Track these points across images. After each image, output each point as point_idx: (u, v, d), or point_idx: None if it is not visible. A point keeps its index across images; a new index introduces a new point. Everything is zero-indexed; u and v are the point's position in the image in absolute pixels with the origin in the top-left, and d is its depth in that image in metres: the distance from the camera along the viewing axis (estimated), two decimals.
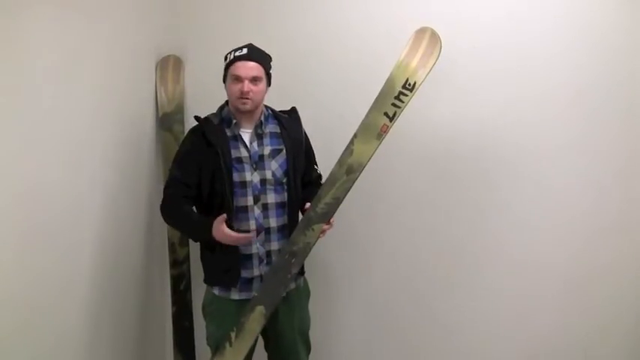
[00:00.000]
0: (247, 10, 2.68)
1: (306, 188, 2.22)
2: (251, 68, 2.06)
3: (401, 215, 2.69)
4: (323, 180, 2.20)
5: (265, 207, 2.12)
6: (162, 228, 2.58)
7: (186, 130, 2.48)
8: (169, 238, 2.63)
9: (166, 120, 2.65)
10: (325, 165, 2.19)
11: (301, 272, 2.24)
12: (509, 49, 2.52)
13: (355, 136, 2.08)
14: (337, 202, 2.05)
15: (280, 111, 2.20)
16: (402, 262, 2.71)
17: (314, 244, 2.05)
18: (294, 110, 2.24)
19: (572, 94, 2.51)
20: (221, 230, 2.00)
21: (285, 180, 2.14)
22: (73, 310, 2.04)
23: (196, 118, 2.15)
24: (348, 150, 2.07)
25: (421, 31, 2.15)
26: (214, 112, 2.18)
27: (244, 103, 2.08)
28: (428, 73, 2.08)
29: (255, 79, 2.07)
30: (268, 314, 2.04)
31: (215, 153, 2.06)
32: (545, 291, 2.63)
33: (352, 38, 2.61)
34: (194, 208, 2.17)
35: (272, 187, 2.13)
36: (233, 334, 2.07)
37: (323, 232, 2.07)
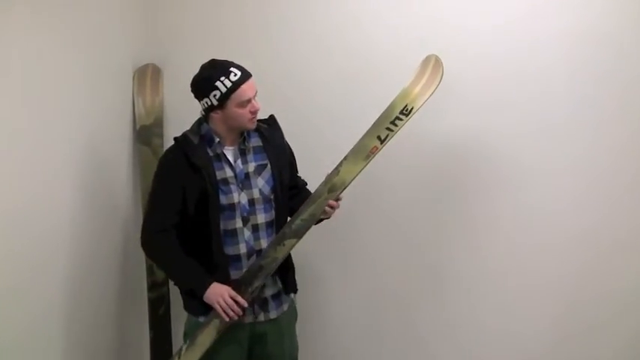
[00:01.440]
0: (230, 16, 2.63)
1: (295, 197, 2.20)
2: (253, 85, 2.04)
3: (398, 230, 2.69)
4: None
5: (255, 228, 2.08)
6: (139, 248, 2.43)
7: (166, 145, 2.54)
8: (146, 259, 2.57)
9: (144, 133, 2.59)
10: (320, 173, 2.17)
11: (294, 290, 2.21)
12: (508, 57, 2.49)
13: (345, 158, 2.10)
14: (312, 218, 2.06)
15: (258, 120, 2.13)
16: (398, 278, 2.72)
17: (282, 259, 2.05)
18: (273, 119, 2.19)
19: (577, 103, 2.47)
20: (221, 295, 1.99)
21: (272, 197, 2.11)
22: (42, 337, 2.02)
23: (176, 139, 2.09)
24: (335, 170, 2.09)
25: (427, 60, 2.21)
26: (190, 128, 2.11)
27: (254, 121, 2.07)
28: (426, 100, 2.12)
29: (255, 94, 2.06)
30: (222, 328, 2.02)
31: (199, 175, 2.00)
32: (545, 310, 2.60)
33: (352, 37, 2.60)
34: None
35: (261, 206, 2.09)
36: (184, 347, 2.06)
37: (331, 206, 2.07)
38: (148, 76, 2.62)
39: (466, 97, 2.52)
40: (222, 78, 1.98)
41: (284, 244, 2.04)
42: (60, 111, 2.06)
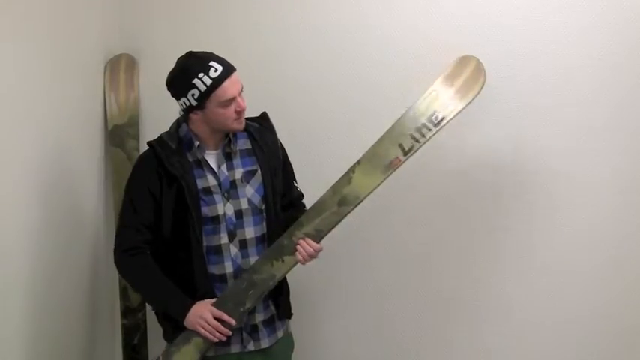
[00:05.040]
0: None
1: (286, 212, 2.09)
2: (237, 81, 1.93)
3: (410, 251, 2.54)
4: (308, 201, 2.09)
5: (243, 244, 1.98)
6: (112, 269, 2.34)
7: (142, 148, 2.40)
8: (120, 280, 2.48)
9: (117, 134, 2.49)
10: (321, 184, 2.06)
11: (288, 315, 2.10)
12: (548, 59, 2.33)
13: (358, 162, 1.97)
14: (319, 235, 1.94)
15: (247, 118, 2.04)
16: (408, 305, 2.57)
17: (280, 277, 1.96)
18: (265, 117, 2.11)
19: (622, 114, 2.31)
20: (202, 316, 1.88)
21: (263, 207, 2.00)
22: None
23: (149, 144, 2.00)
24: (347, 177, 1.96)
25: (464, 61, 2.05)
26: (168, 130, 2.03)
27: (241, 122, 1.96)
28: (460, 110, 1.99)
29: (241, 90, 1.95)
30: (205, 349, 1.92)
31: (176, 185, 1.92)
32: (589, 344, 2.43)
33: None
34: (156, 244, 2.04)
35: (250, 219, 1.98)
36: None
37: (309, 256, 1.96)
38: (121, 68, 2.54)
39: (500, 102, 2.38)
40: (201, 74, 1.89)
41: (283, 260, 1.94)
42: (18, 110, 1.96)
